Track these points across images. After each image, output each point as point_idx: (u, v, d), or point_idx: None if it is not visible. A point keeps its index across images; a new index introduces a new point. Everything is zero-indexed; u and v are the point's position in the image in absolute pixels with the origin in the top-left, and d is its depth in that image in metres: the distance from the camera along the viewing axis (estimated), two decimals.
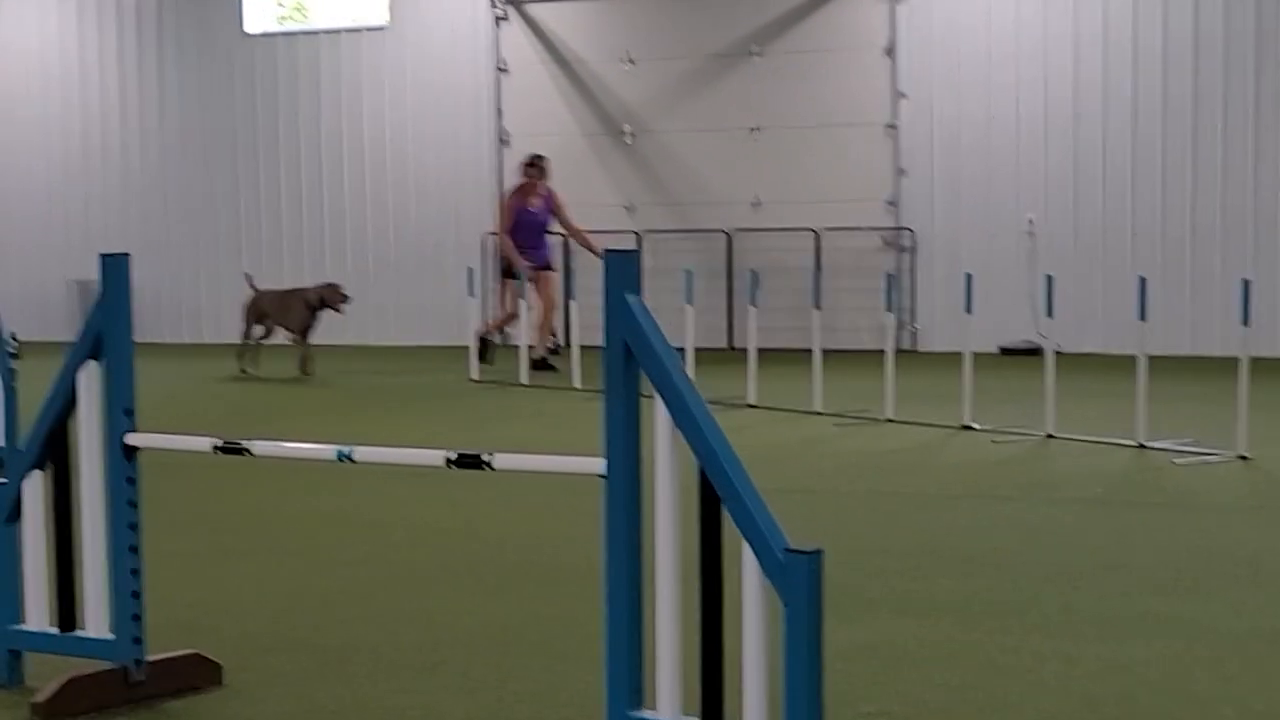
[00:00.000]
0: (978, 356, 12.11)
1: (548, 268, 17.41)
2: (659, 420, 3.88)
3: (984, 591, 6.27)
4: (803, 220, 19.44)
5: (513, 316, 16.86)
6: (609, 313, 3.94)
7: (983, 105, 18.78)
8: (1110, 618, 5.79)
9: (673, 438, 3.87)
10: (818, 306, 13.06)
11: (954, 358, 12.03)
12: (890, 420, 11.92)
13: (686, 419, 3.82)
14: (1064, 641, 5.46)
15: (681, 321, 13.80)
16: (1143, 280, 10.76)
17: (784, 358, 14.98)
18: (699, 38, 19.93)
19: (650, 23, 20.18)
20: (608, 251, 3.98)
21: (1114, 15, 18.33)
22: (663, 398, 3.86)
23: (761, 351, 13.44)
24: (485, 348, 16.65)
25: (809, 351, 12.97)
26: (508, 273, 17.01)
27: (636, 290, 3.94)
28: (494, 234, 20.86)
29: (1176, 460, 9.81)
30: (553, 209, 17.25)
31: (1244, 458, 9.74)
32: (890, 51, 19.18)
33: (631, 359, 3.92)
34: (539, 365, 16.24)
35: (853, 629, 5.64)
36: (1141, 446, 10.29)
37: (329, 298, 16.46)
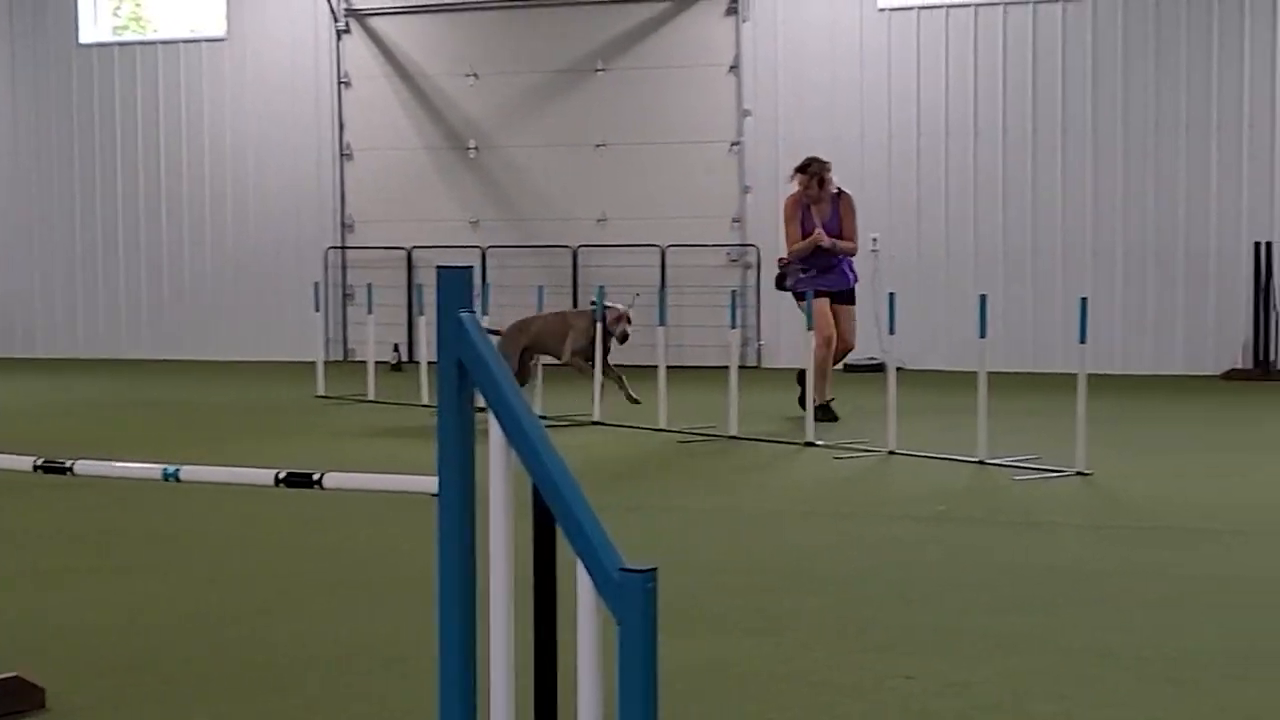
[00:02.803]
0: None
1: (849, 298, 13.62)
2: (493, 438, 3.80)
3: (827, 610, 6.26)
4: (648, 237, 19.46)
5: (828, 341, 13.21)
6: (441, 330, 3.86)
7: (827, 125, 18.90)
8: (950, 636, 5.79)
9: (507, 456, 3.80)
10: (663, 323, 13.05)
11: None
12: (735, 437, 11.92)
13: (520, 437, 3.75)
14: (904, 660, 5.45)
15: None
16: (983, 298, 10.85)
17: (629, 374, 14.93)
18: (543, 52, 19.89)
19: (494, 37, 20.11)
20: (439, 269, 3.89)
21: (955, 41, 18.54)
22: (496, 416, 3.79)
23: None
24: (828, 412, 13.03)
25: (654, 368, 12.95)
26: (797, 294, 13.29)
27: (470, 307, 3.86)
28: (336, 248, 20.68)
29: (1017, 477, 9.89)
30: (840, 218, 13.58)
31: (1083, 474, 9.83)
32: (735, 69, 19.26)
33: (465, 377, 3.84)
34: (823, 415, 12.69)
35: (695, 648, 5.59)
36: (982, 463, 10.36)
37: (610, 324, 13.31)
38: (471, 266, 3.96)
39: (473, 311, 3.90)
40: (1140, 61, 17.99)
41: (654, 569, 3.55)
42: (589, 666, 3.66)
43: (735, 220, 19.41)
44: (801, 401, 12.87)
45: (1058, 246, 18.28)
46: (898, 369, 11.46)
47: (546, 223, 19.94)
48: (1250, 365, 17.58)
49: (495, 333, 13.81)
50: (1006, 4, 18.38)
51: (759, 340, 19.28)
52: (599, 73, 19.77)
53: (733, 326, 12.63)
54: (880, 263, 18.69)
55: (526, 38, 20.01)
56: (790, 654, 5.56)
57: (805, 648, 5.65)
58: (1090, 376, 10.23)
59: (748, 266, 19.39)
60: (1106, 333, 17.62)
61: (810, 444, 11.43)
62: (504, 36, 20.09)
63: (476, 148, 20.17)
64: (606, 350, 13.24)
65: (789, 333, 18.66)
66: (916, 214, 18.76)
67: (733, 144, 19.36)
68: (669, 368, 13.05)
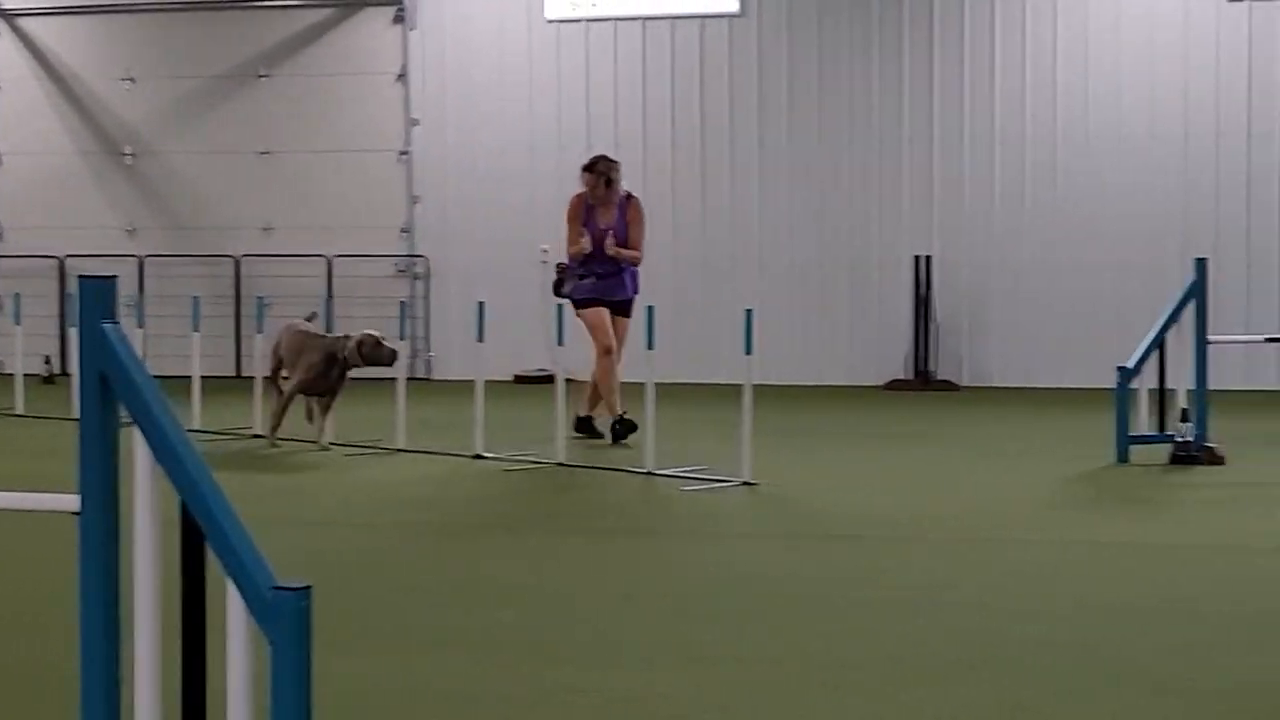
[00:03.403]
0: (493, 385, 12.09)
1: (624, 311, 12.69)
2: (138, 454, 3.64)
3: (499, 625, 6.17)
4: (315, 247, 19.17)
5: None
6: (83, 342, 3.69)
7: (497, 134, 18.85)
8: (621, 648, 5.76)
9: (153, 472, 3.63)
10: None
11: (469, 386, 11.98)
12: (402, 450, 11.76)
13: (167, 452, 3.58)
14: (575, 673, 5.39)
15: (188, 349, 13.38)
16: (650, 309, 10.89)
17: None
18: (204, 57, 19.45)
19: (151, 40, 19.60)
20: (81, 278, 3.71)
21: (624, 53, 18.66)
22: (142, 430, 3.63)
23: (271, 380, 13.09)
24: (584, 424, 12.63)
25: None
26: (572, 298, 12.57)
27: (114, 318, 3.69)
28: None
29: (685, 488, 9.93)
30: (627, 224, 12.64)
31: (749, 484, 9.92)
32: (403, 78, 19.08)
33: (109, 390, 3.67)
34: (583, 428, 12.48)
35: (356, 666, 5.45)
36: (650, 474, 10.39)
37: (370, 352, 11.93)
38: (115, 276, 3.78)
39: (117, 323, 3.73)
40: (804, 77, 18.35)
41: (308, 587, 3.43)
42: (239, 688, 3.53)
43: (404, 230, 19.23)
44: (581, 425, 12.47)
45: (725, 258, 18.52)
46: (567, 380, 11.44)
47: (208, 231, 19.49)
48: (911, 376, 18.05)
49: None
50: (674, 18, 18.57)
51: (429, 352, 19.12)
52: (262, 79, 19.40)
53: (401, 338, 12.47)
54: (550, 273, 18.70)
55: (186, 41, 19.54)
56: (456, 670, 5.46)
57: (472, 663, 5.55)
58: (757, 387, 10.35)
59: (417, 277, 19.22)
60: (773, 344, 17.89)
61: (479, 456, 11.33)
62: (163, 40, 19.59)
63: (134, 154, 19.62)
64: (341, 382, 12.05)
65: (460, 344, 18.53)
66: None
67: (401, 153, 19.18)
68: None
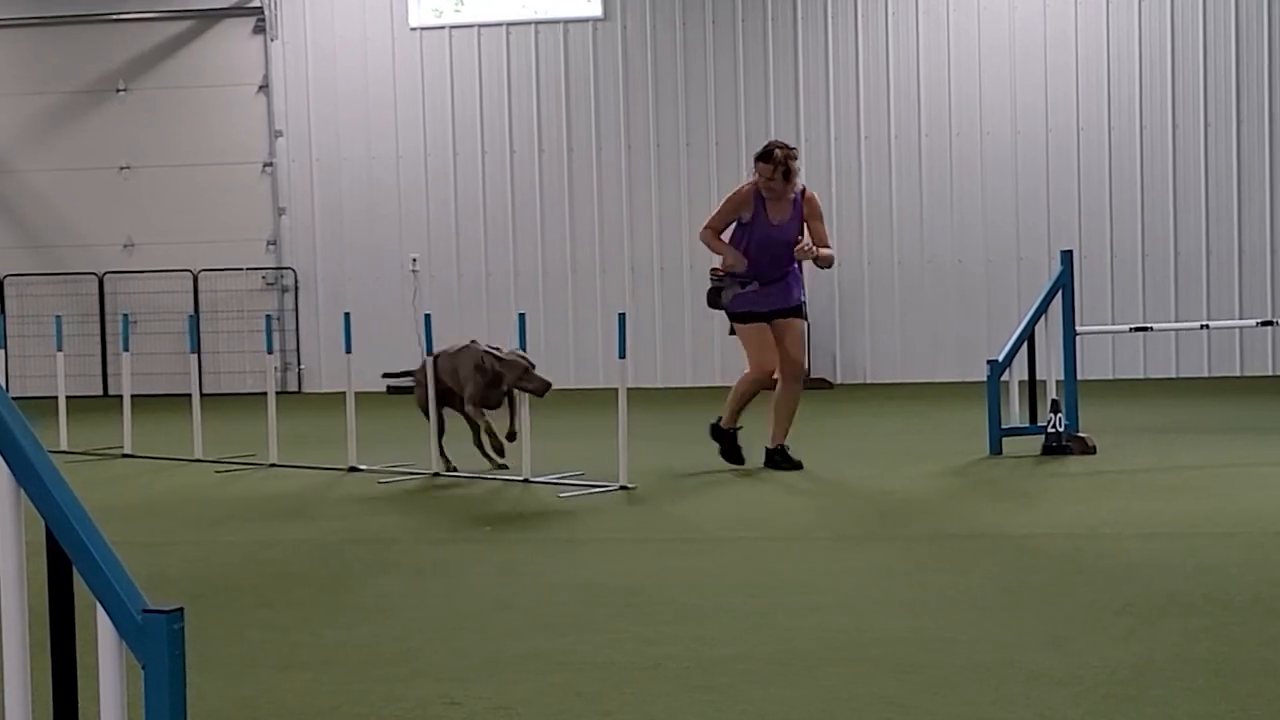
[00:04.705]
0: (365, 396, 11.99)
1: (796, 312, 11.04)
2: (0, 478, 3.56)
3: (370, 639, 6.11)
4: (179, 262, 18.97)
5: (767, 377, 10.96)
6: None
7: (362, 143, 18.76)
8: (495, 659, 5.72)
9: (16, 496, 3.56)
10: (195, 350, 12.67)
11: (341, 398, 11.88)
12: (275, 465, 11.65)
13: (30, 476, 3.51)
14: (449, 686, 5.34)
15: (52, 369, 13.20)
16: (522, 317, 10.87)
17: (164, 403, 14.48)
18: (61, 72, 19.19)
19: (5, 55, 19.34)
20: None
21: (488, 59, 18.62)
22: (3, 454, 3.55)
23: (139, 398, 12.94)
24: (726, 440, 11.26)
25: (188, 396, 12.58)
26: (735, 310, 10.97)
27: None
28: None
29: (562, 494, 9.91)
30: (804, 220, 10.92)
31: (627, 488, 9.92)
32: (265, 89, 18.92)
33: None
34: (777, 461, 11.01)
35: (232, 686, 5.37)
36: (527, 481, 10.36)
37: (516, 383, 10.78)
38: None
39: None
40: (669, 79, 18.39)
41: (180, 609, 3.37)
42: (113, 713, 3.47)
43: (270, 243, 19.07)
44: (782, 457, 11.03)
45: (596, 263, 18.53)
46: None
47: (69, 249, 19.23)
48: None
49: (408, 374, 11.98)
50: (538, 24, 18.55)
51: (299, 365, 18.97)
52: (121, 93, 19.16)
53: (270, 351, 12.34)
54: (420, 282, 18.63)
55: (43, 56, 19.28)
56: (333, 686, 5.39)
57: (348, 679, 5.49)
58: (631, 391, 10.34)
59: (285, 290, 19.07)
60: (645, 347, 17.94)
61: (353, 469, 11.26)
62: (18, 55, 19.31)
63: None
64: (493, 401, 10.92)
65: (329, 356, 18.41)
66: (455, 232, 18.76)
67: (265, 165, 19.02)
68: (204, 395, 12.68)
